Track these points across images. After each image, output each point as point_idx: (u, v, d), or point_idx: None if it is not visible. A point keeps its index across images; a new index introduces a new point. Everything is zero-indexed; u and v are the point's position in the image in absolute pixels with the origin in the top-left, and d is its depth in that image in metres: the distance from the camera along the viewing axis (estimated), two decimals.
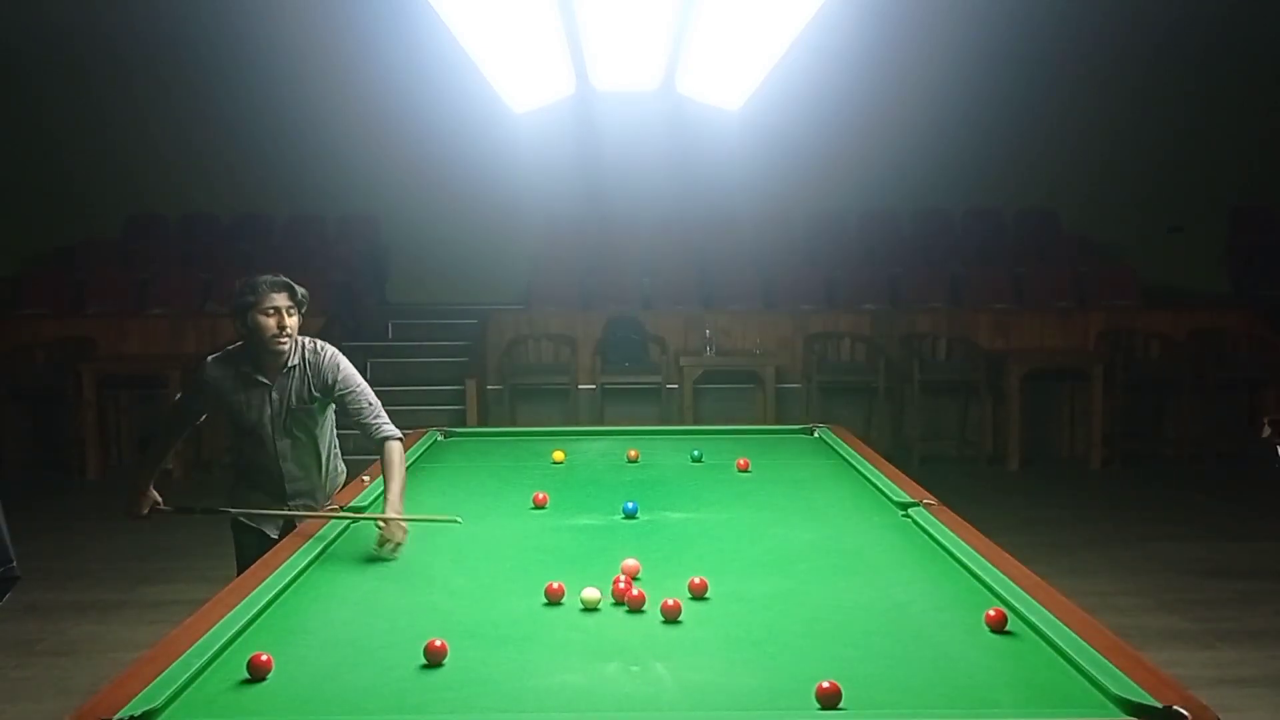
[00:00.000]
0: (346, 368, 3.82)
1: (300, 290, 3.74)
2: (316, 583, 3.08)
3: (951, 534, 3.40)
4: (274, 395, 3.77)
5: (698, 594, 2.90)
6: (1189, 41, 11.08)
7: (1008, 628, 2.61)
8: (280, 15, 10.39)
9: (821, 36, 5.39)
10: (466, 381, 9.17)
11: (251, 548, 3.75)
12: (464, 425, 7.74)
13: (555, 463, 4.81)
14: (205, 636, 2.52)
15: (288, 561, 3.15)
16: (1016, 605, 2.72)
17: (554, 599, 2.85)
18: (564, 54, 5.42)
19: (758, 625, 2.70)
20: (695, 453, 4.90)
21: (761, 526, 3.73)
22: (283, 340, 3.69)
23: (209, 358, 3.87)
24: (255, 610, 2.73)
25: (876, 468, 4.45)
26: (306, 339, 3.84)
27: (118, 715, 2.10)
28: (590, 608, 2.81)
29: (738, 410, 9.45)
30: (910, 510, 3.75)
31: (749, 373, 9.60)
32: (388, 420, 3.79)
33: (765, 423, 8.57)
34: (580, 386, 9.55)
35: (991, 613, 2.65)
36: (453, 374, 9.66)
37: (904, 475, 4.29)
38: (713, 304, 10.36)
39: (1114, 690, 2.21)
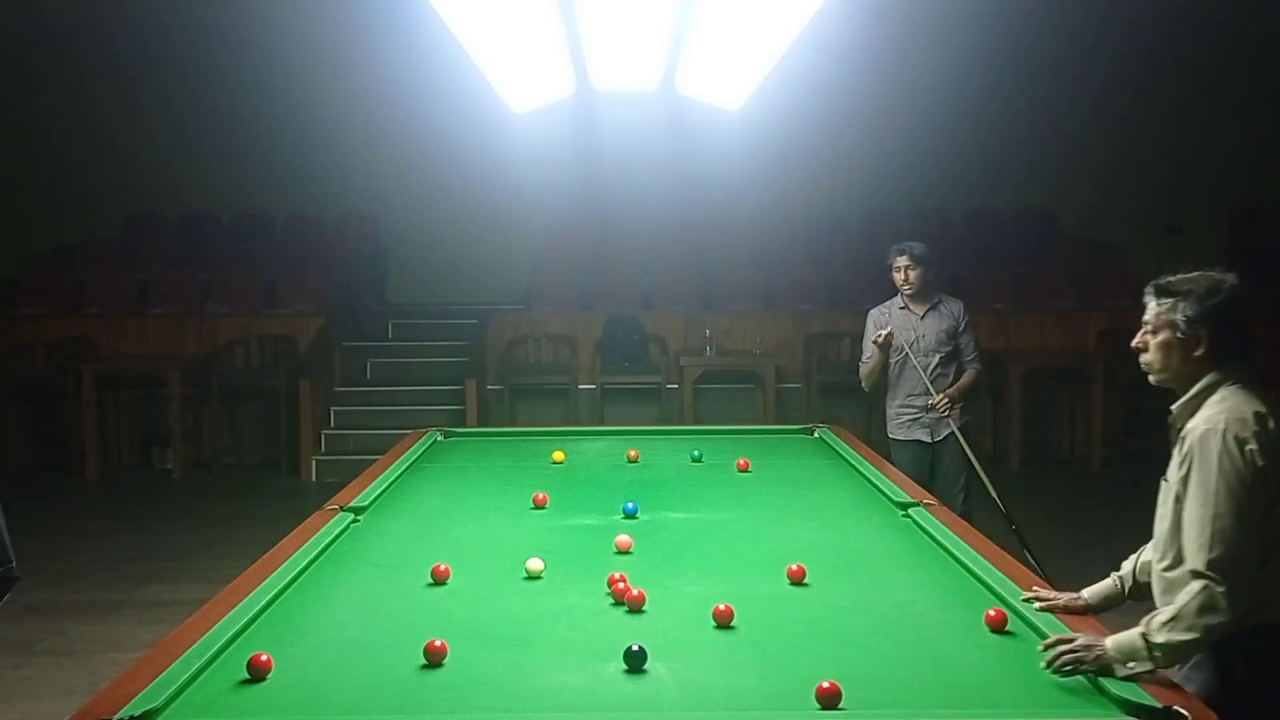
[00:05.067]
0: (967, 315, 5.52)
1: (917, 248, 5.33)
2: (316, 583, 3.07)
3: (951, 534, 3.40)
4: (922, 323, 5.39)
5: (797, 580, 3.01)
6: (1189, 42, 11.06)
7: (1008, 628, 2.62)
8: (280, 15, 10.38)
9: (822, 36, 5.39)
10: (466, 381, 9.16)
11: (907, 460, 5.25)
12: (464, 425, 7.75)
13: (555, 463, 4.81)
14: (205, 636, 2.52)
15: (288, 561, 3.14)
16: (1016, 605, 2.72)
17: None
18: (564, 54, 5.42)
19: (758, 625, 2.70)
20: (695, 453, 4.90)
21: (761, 527, 3.73)
22: (906, 287, 5.35)
23: (875, 308, 5.53)
24: (255, 610, 2.73)
25: (876, 468, 4.46)
26: (944, 294, 5.57)
27: (118, 715, 2.11)
28: (534, 576, 3.09)
29: (738, 410, 9.44)
30: (910, 510, 3.76)
31: (749, 373, 9.59)
32: (976, 356, 5.54)
33: (765, 423, 8.57)
34: (580, 386, 9.55)
35: (991, 613, 2.66)
36: (453, 374, 9.65)
37: (904, 475, 4.29)
38: (713, 304, 10.35)
39: (1114, 690, 2.22)
